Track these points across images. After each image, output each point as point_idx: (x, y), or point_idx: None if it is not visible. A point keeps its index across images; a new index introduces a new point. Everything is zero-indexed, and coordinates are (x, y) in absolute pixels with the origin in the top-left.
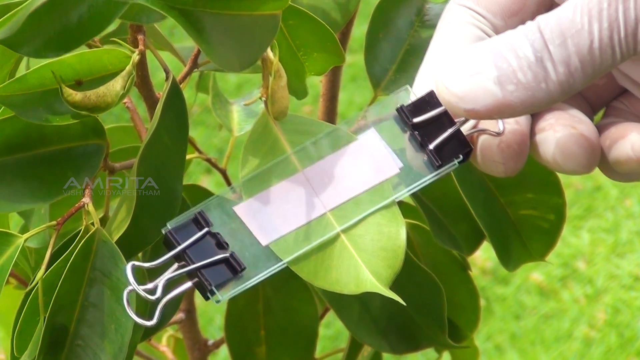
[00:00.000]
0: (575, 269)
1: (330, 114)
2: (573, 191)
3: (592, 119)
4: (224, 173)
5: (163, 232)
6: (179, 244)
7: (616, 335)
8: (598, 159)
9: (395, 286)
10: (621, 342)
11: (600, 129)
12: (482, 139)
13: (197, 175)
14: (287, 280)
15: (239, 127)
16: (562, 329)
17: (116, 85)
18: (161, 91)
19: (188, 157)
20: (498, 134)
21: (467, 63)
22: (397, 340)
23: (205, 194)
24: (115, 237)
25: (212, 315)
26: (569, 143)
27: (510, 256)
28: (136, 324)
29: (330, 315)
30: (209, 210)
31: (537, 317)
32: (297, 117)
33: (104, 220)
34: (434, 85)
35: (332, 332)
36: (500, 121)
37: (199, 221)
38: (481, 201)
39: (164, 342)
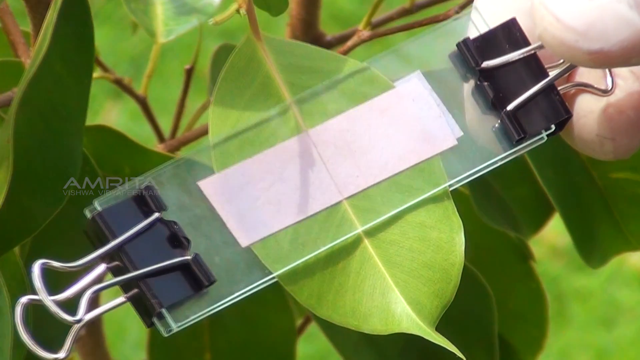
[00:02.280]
0: None
1: (311, 8)
2: None
3: None
4: (142, 101)
5: (88, 215)
6: (114, 236)
7: None
8: None
9: None
10: None
11: None
12: (580, 100)
13: (100, 102)
14: None
15: (165, 28)
16: None
17: None
18: None
19: None
20: (605, 93)
21: None
22: None
23: (120, 140)
24: None
25: (124, 325)
26: None
27: (594, 243)
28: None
29: (314, 326)
30: (160, 185)
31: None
32: (299, 45)
33: None
34: (533, 14)
35: (314, 349)
36: (608, 74)
37: (144, 201)
38: (551, 157)
39: None
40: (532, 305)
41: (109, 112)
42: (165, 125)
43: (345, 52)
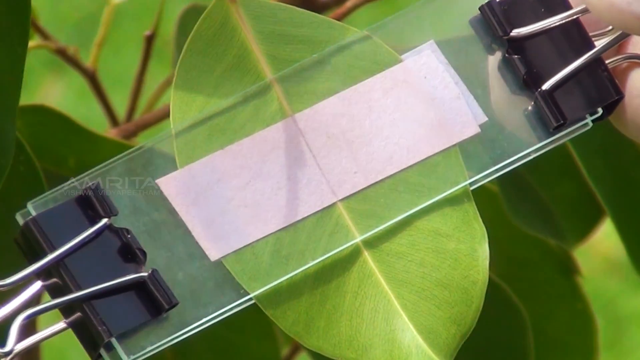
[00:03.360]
0: None
1: None
2: None
3: None
4: (91, 75)
5: (20, 221)
6: (52, 247)
7: None
8: None
9: None
10: None
11: None
12: (634, 76)
13: (39, 77)
14: None
15: None
16: None
17: None
18: None
19: None
20: None
21: None
22: None
23: (62, 124)
24: None
25: (66, 353)
26: None
27: None
28: None
29: (305, 357)
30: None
31: None
32: (283, 8)
33: None
34: None
35: None
36: None
37: (90, 204)
38: (599, 146)
39: None
40: (578, 330)
41: (50, 89)
42: (120, 105)
43: (344, 15)
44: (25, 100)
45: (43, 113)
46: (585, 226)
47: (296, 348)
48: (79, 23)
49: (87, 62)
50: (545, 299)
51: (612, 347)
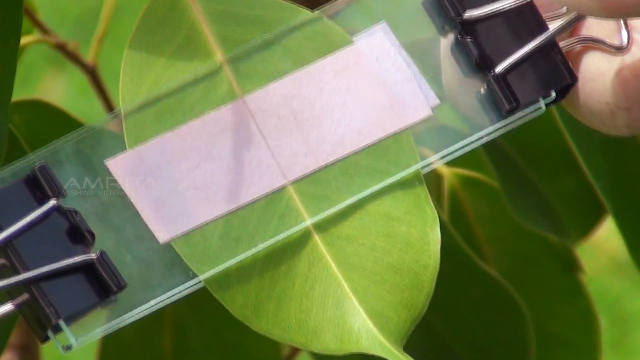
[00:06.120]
0: None
1: None
2: None
3: None
4: (91, 71)
5: None
6: (0, 229)
7: None
8: None
9: (432, 308)
10: None
11: None
12: (587, 60)
13: (39, 72)
14: None
15: None
16: None
17: None
18: None
19: (23, 40)
20: (619, 50)
21: None
22: None
23: (59, 119)
24: None
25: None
26: None
27: None
28: None
29: (305, 356)
30: (58, 164)
31: None
32: None
33: None
34: None
35: None
36: (623, 27)
37: (39, 184)
38: (600, 140)
39: None
40: (581, 328)
41: (51, 85)
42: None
43: None
44: (25, 95)
45: (40, 108)
46: (588, 222)
47: (297, 348)
48: (79, 18)
49: (88, 57)
50: (547, 296)
51: (618, 346)
